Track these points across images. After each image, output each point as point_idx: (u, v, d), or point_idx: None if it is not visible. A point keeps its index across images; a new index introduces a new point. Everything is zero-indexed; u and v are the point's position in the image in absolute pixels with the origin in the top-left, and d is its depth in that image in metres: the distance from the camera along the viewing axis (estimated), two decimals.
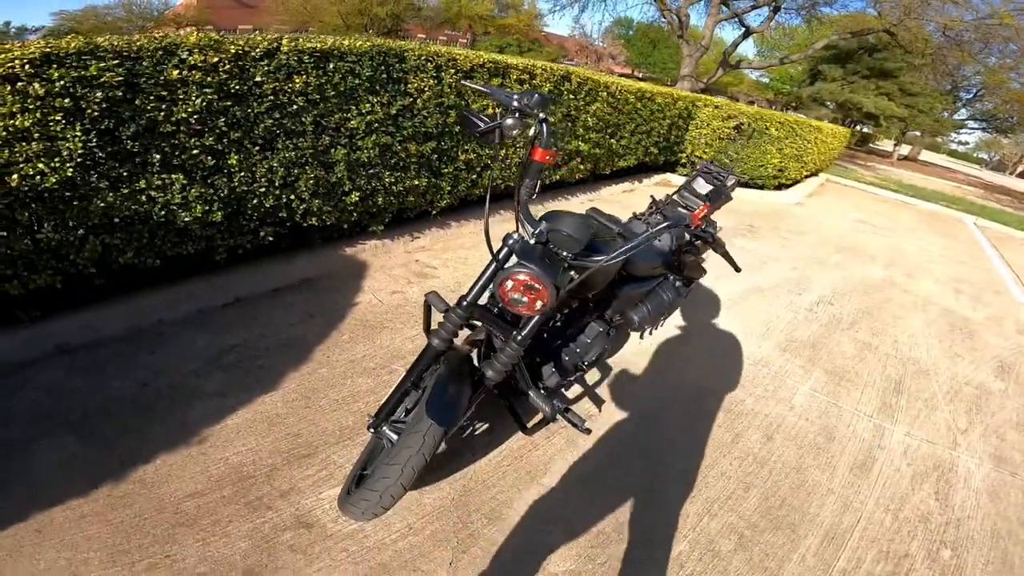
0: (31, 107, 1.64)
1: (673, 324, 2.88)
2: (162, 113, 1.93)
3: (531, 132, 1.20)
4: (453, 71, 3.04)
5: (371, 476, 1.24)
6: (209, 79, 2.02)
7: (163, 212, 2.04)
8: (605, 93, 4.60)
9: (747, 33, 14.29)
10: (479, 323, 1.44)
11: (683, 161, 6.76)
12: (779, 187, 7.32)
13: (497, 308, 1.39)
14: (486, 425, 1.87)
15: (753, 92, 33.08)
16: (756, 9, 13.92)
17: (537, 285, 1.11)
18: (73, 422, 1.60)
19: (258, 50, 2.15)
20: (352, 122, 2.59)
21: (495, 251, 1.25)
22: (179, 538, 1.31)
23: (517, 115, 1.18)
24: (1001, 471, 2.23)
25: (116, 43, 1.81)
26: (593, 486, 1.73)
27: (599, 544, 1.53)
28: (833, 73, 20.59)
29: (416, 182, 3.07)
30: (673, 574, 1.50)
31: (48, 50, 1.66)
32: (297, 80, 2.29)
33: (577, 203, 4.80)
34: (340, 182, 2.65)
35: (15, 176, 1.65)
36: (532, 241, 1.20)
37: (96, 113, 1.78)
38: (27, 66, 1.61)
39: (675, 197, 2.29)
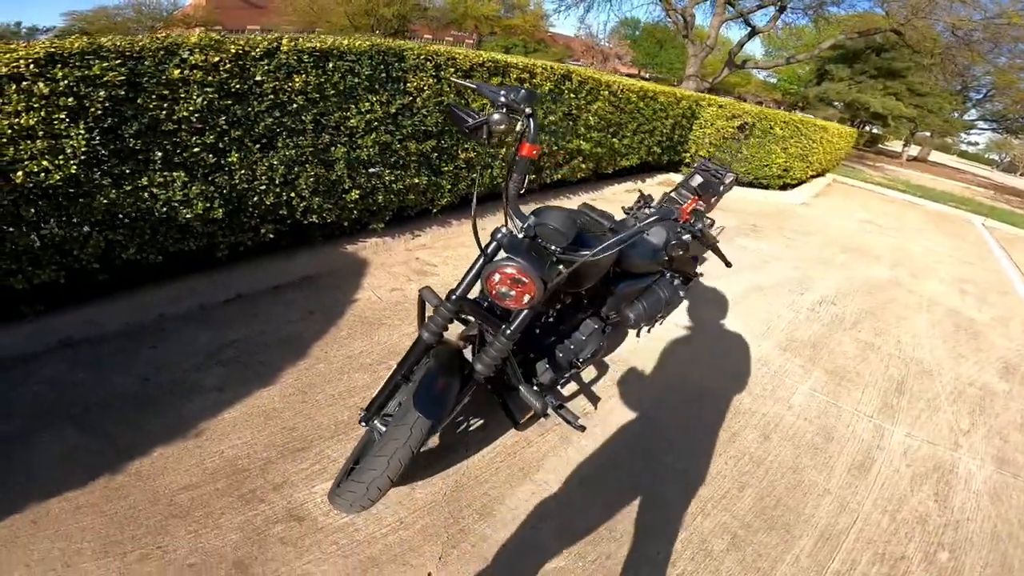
0: (36, 106, 1.67)
1: (670, 322, 2.87)
2: (164, 112, 1.96)
3: (518, 127, 1.21)
4: (453, 70, 3.06)
5: (358, 468, 1.26)
6: (210, 78, 2.05)
7: (165, 209, 2.07)
8: (607, 92, 4.60)
9: (753, 33, 14.21)
10: (472, 318, 1.45)
11: (687, 161, 6.74)
12: (784, 187, 7.27)
13: (487, 302, 1.40)
14: (480, 421, 1.88)
15: (761, 92, 32.88)
16: (762, 9, 13.82)
17: (524, 278, 1.12)
18: (74, 415, 1.63)
19: (258, 50, 2.18)
20: (352, 121, 2.61)
21: (483, 245, 1.26)
22: (171, 529, 1.33)
23: (504, 110, 1.19)
24: (1003, 473, 2.21)
25: (119, 43, 1.84)
26: (586, 483, 1.73)
27: (590, 542, 1.53)
28: (840, 73, 20.42)
29: (416, 180, 3.09)
30: (665, 573, 1.49)
31: (52, 50, 1.69)
32: (297, 79, 2.32)
33: (578, 202, 4.80)
34: (340, 180, 2.68)
35: (20, 173, 1.68)
36: (520, 235, 1.21)
37: (99, 112, 1.81)
38: (32, 66, 1.64)
39: (672, 194, 2.29)
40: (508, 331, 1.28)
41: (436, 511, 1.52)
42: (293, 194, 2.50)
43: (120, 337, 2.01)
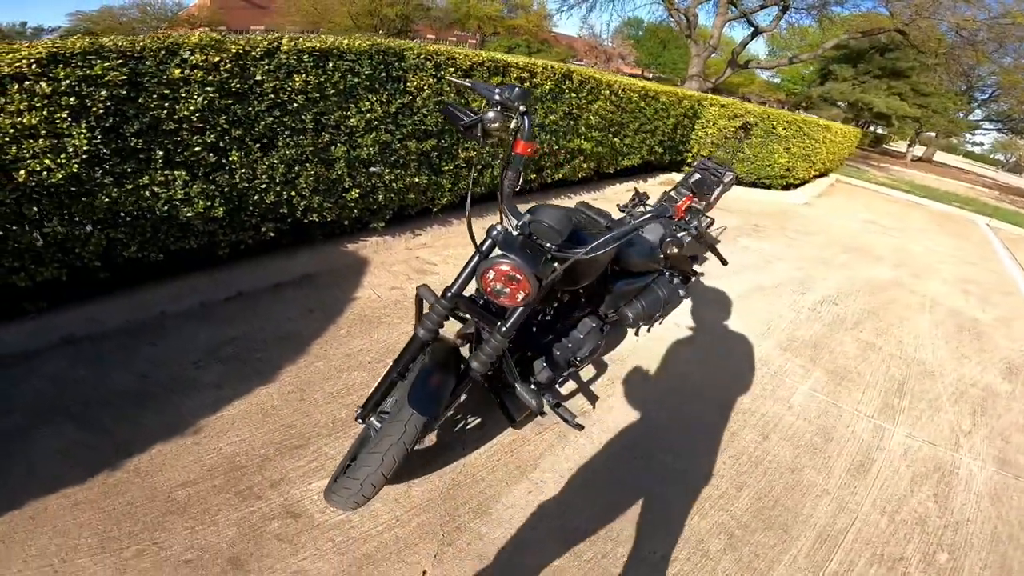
0: (38, 105, 1.69)
1: (670, 321, 2.87)
2: (165, 111, 1.97)
3: (512, 125, 1.21)
4: (452, 69, 3.07)
5: (353, 465, 1.26)
6: (210, 78, 2.06)
7: (166, 207, 2.09)
8: (608, 92, 4.60)
9: (756, 33, 14.15)
10: (469, 316, 1.46)
11: (689, 160, 6.72)
12: (787, 187, 7.25)
13: (483, 300, 1.40)
14: (478, 419, 1.88)
15: (764, 92, 32.76)
16: (764, 9, 13.77)
17: (518, 276, 1.12)
18: (75, 412, 1.64)
19: (258, 49, 2.19)
20: (352, 120, 2.62)
21: (478, 243, 1.27)
22: (168, 526, 1.33)
23: (499, 108, 1.19)
24: (1004, 474, 2.19)
25: (120, 43, 1.85)
26: (583, 482, 1.73)
27: (587, 541, 1.53)
28: (844, 73, 20.34)
29: (417, 179, 3.09)
30: (661, 573, 1.49)
31: (54, 50, 1.71)
32: (297, 79, 2.33)
33: (579, 201, 4.80)
34: (340, 179, 2.69)
35: (22, 172, 1.70)
36: (515, 232, 1.22)
37: (101, 111, 1.82)
38: (34, 65, 1.66)
39: (672, 193, 2.29)
40: (503, 328, 1.28)
41: (432, 509, 1.52)
42: (293, 193, 2.51)
43: (121, 334, 2.03)
